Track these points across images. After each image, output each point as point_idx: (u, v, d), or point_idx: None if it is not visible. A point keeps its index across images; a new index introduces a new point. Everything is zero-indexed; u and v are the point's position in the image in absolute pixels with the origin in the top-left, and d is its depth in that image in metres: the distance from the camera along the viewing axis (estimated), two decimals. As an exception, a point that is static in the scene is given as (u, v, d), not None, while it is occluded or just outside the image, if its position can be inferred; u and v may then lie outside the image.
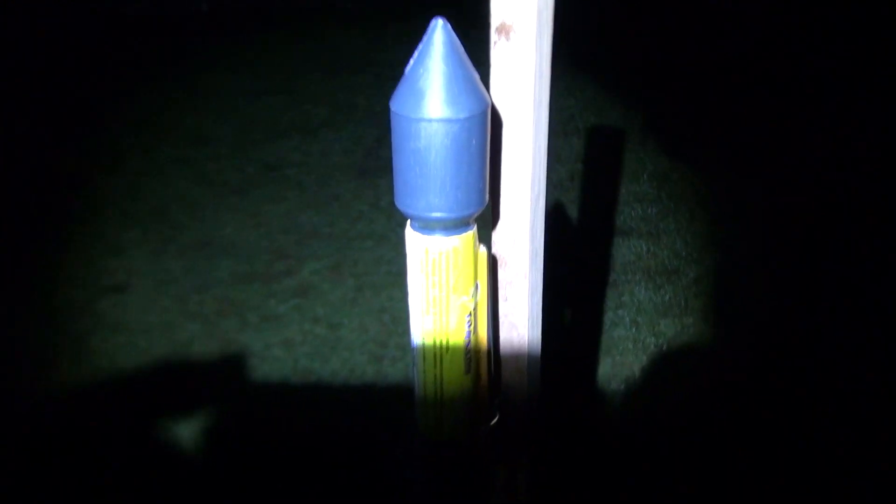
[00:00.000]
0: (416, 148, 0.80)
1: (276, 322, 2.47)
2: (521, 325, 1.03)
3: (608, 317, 2.44)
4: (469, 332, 0.94)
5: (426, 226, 0.86)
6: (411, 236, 0.89)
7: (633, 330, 2.38)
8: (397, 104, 0.79)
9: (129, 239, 2.95)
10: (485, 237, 0.95)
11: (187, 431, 2.02)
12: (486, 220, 0.97)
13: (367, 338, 2.38)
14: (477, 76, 0.81)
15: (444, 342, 0.94)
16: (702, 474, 1.84)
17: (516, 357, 1.06)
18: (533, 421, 1.14)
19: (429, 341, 0.94)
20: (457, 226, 0.86)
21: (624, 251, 2.63)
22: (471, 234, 0.88)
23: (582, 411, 2.14)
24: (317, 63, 4.56)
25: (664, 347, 2.30)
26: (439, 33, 0.78)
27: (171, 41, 4.88)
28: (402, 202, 0.85)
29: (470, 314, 0.93)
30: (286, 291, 2.64)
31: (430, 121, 0.78)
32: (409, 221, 0.89)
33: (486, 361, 1.01)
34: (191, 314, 2.52)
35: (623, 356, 2.29)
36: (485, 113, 0.80)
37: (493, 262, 1.00)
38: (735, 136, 3.36)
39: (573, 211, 2.87)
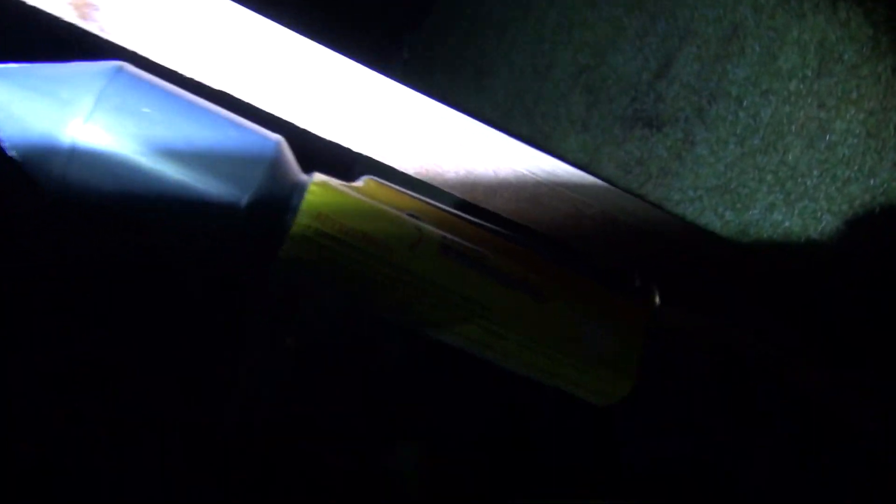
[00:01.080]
0: (118, 188, 0.52)
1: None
2: (543, 173, 0.67)
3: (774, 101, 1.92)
4: (478, 265, 0.60)
5: (260, 229, 0.57)
6: (279, 266, 0.58)
7: (793, 100, 1.85)
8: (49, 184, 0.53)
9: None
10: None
11: None
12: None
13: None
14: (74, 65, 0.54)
15: (468, 310, 0.59)
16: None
17: (591, 222, 0.69)
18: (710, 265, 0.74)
19: (457, 324, 0.60)
20: (279, 196, 0.56)
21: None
22: (318, 185, 0.58)
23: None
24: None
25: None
26: None
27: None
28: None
29: (446, 248, 0.59)
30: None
31: (72, 148, 0.51)
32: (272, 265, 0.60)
33: (555, 276, 0.64)
34: None
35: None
36: (117, 71, 0.53)
37: (412, 192, 0.67)
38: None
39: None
